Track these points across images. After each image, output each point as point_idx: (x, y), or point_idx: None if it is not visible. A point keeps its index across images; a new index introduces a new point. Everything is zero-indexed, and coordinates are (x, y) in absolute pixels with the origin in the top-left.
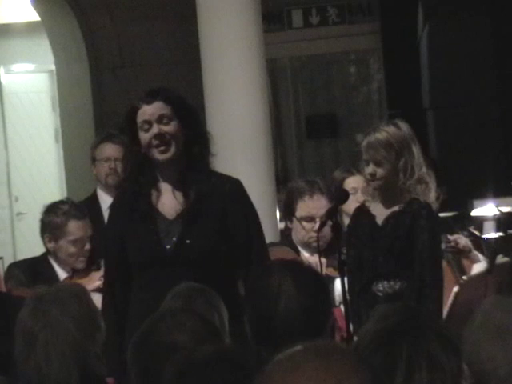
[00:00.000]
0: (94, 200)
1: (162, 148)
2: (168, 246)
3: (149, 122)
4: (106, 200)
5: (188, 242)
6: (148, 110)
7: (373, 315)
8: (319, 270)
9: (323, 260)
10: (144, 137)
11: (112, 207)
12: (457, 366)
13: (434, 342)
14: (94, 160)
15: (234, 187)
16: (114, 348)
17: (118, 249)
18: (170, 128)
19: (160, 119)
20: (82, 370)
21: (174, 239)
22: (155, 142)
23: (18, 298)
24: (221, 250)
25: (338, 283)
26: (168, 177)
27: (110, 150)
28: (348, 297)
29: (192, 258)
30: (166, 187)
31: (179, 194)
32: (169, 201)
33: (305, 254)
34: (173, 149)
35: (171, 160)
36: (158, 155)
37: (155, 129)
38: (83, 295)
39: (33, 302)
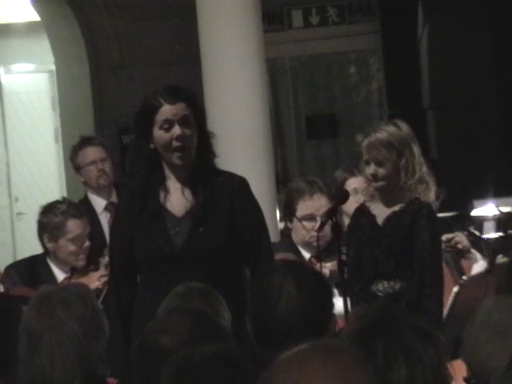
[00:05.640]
0: (86, 204)
1: (181, 154)
2: (178, 243)
3: (170, 122)
4: (99, 203)
5: (198, 238)
6: (171, 110)
7: (350, 317)
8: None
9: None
10: (164, 136)
11: (119, 207)
12: (436, 358)
13: (409, 335)
14: (78, 168)
15: (241, 185)
16: (119, 348)
17: (126, 249)
18: (189, 132)
19: (182, 121)
20: (85, 370)
21: (184, 236)
22: (176, 144)
23: (16, 298)
24: (230, 246)
25: (339, 302)
26: (177, 176)
27: (93, 152)
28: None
29: (202, 254)
30: (174, 186)
31: (188, 192)
32: (177, 199)
33: (305, 256)
34: (190, 154)
35: (185, 165)
36: (175, 160)
37: (177, 130)
38: (88, 296)
39: (38, 303)
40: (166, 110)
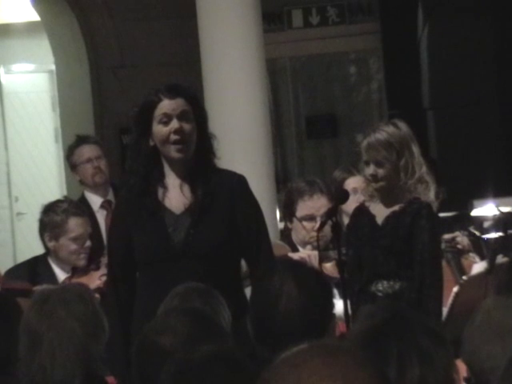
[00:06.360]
0: (83, 203)
1: (180, 146)
2: (176, 241)
3: (169, 116)
4: (95, 201)
5: (196, 235)
6: (170, 105)
7: (359, 315)
8: (310, 262)
9: (315, 252)
10: (162, 130)
11: (117, 206)
12: (447, 358)
13: (422, 336)
14: (74, 167)
15: (241, 182)
16: (119, 348)
17: (124, 247)
18: (189, 127)
19: (181, 115)
20: (85, 370)
21: (182, 233)
22: (174, 138)
23: (13, 290)
24: (229, 244)
25: (339, 304)
26: (176, 173)
27: (89, 150)
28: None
29: (200, 252)
30: (173, 183)
31: (187, 190)
32: (176, 196)
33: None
34: (189, 148)
35: (184, 159)
36: (174, 153)
37: (176, 123)
38: (88, 296)
39: (38, 303)
40: (165, 105)
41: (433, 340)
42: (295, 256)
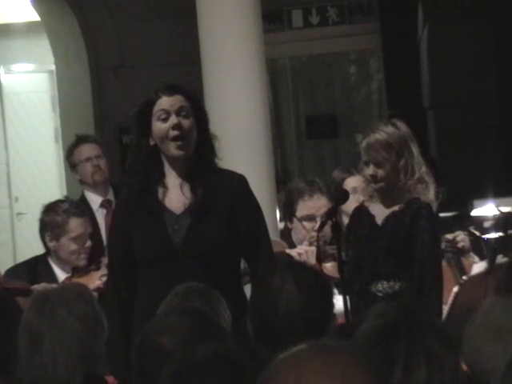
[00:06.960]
0: (83, 202)
1: (179, 143)
2: (176, 241)
3: (167, 112)
4: (95, 201)
5: (196, 235)
6: (168, 101)
7: (369, 314)
8: (307, 257)
9: (312, 248)
10: (161, 127)
11: (117, 206)
12: (454, 362)
13: (431, 338)
14: (74, 166)
15: (241, 182)
16: (119, 348)
17: (125, 247)
18: (187, 122)
19: (179, 111)
20: (86, 369)
21: (182, 233)
22: (173, 134)
23: (12, 290)
24: (229, 244)
25: (339, 302)
26: (177, 172)
27: (88, 149)
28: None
29: (200, 251)
30: (173, 182)
31: (187, 190)
32: (176, 196)
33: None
34: (189, 145)
35: (184, 156)
36: (173, 150)
37: (174, 119)
38: (88, 295)
39: (38, 302)
40: (163, 102)
41: (441, 342)
42: (292, 252)
